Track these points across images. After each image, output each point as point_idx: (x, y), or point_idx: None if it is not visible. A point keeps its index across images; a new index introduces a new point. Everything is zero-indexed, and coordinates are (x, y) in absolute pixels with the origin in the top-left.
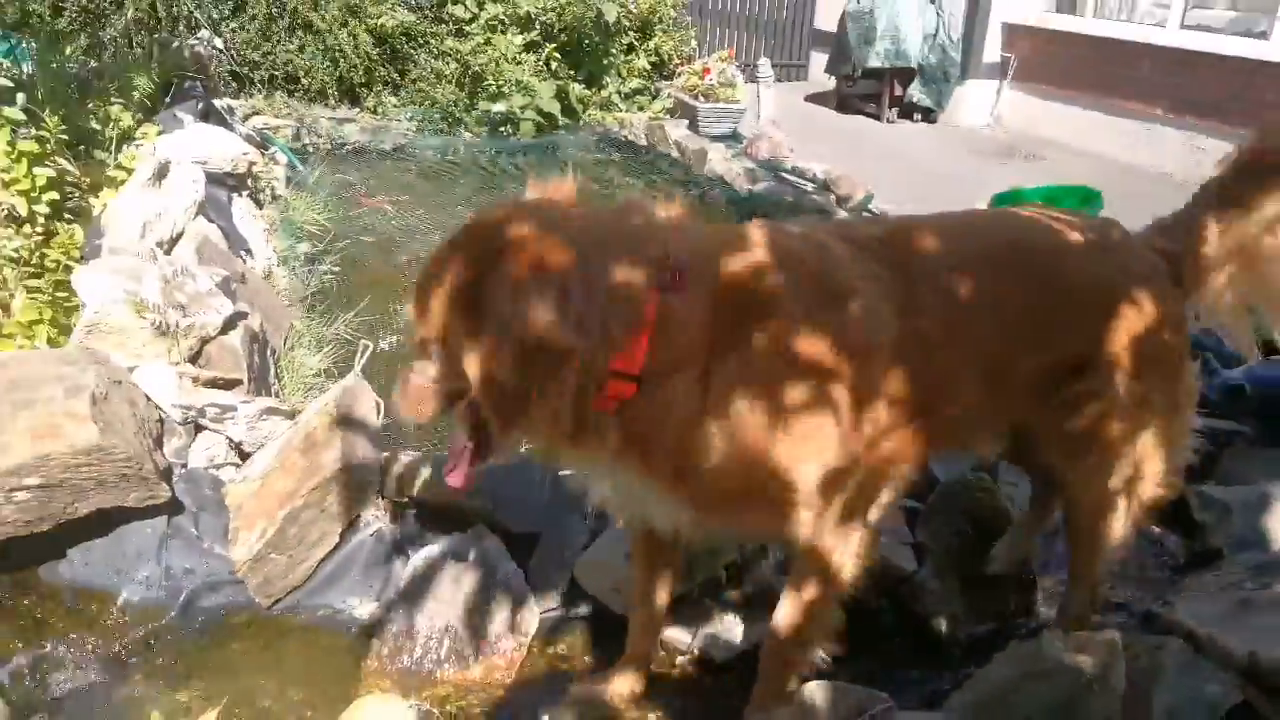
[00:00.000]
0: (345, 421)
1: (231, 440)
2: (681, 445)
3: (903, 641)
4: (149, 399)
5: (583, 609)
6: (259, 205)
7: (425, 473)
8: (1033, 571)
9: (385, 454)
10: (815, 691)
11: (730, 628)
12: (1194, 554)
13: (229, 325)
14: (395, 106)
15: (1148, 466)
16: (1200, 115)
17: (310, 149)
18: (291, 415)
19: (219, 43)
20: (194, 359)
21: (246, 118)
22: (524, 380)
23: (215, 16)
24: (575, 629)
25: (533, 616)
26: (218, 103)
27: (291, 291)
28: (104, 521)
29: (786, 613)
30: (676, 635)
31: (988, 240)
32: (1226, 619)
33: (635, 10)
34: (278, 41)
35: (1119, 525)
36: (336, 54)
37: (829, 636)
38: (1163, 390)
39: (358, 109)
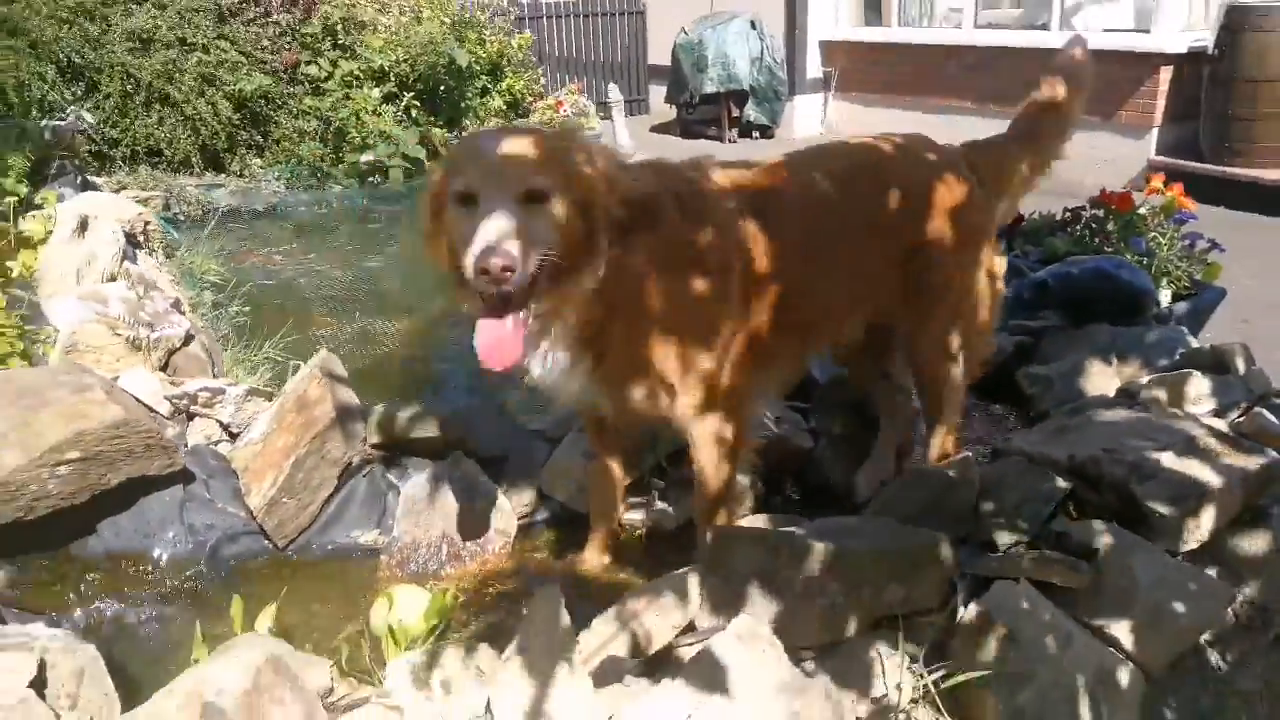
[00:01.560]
0: (331, 381)
1: (221, 423)
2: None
3: (809, 502)
4: (139, 400)
5: (551, 511)
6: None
7: (401, 416)
8: (911, 445)
9: (365, 405)
10: (755, 518)
11: (674, 502)
12: (1029, 419)
13: (189, 338)
14: (262, 167)
15: (973, 321)
16: (1002, 104)
17: (182, 217)
18: (269, 397)
19: (90, 118)
20: (163, 370)
21: (115, 193)
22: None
23: (69, 97)
24: (548, 527)
25: (511, 520)
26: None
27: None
28: (128, 495)
29: (696, 492)
30: (631, 515)
31: (841, 167)
32: (1050, 440)
33: (484, 54)
34: (136, 117)
35: (958, 370)
36: (197, 123)
37: (739, 499)
38: (974, 257)
39: (224, 174)
